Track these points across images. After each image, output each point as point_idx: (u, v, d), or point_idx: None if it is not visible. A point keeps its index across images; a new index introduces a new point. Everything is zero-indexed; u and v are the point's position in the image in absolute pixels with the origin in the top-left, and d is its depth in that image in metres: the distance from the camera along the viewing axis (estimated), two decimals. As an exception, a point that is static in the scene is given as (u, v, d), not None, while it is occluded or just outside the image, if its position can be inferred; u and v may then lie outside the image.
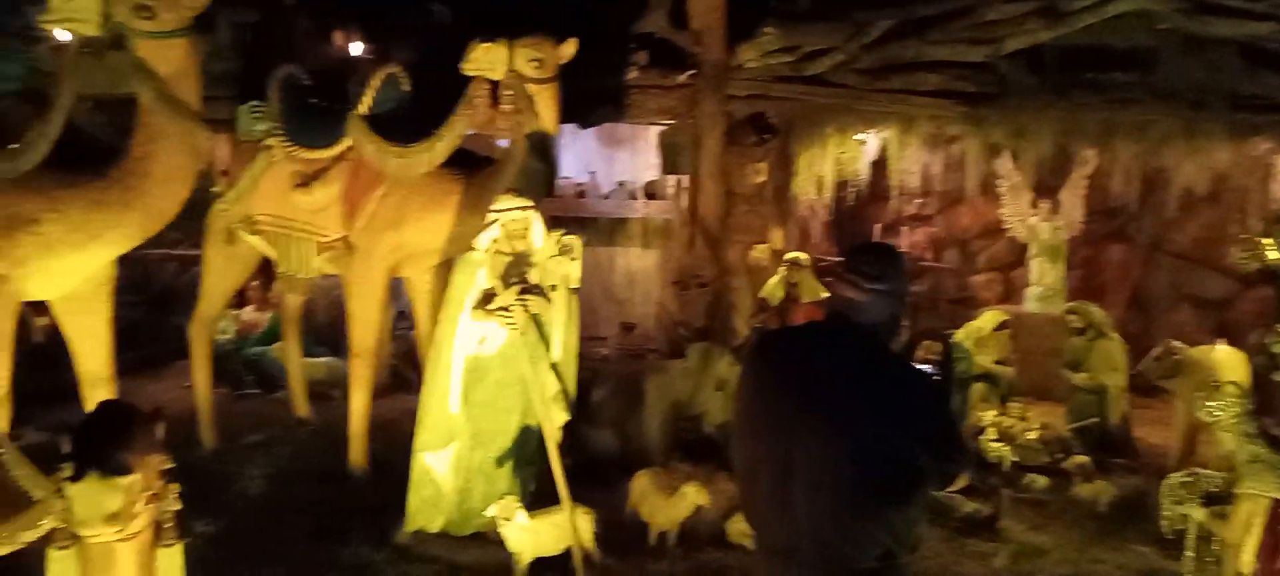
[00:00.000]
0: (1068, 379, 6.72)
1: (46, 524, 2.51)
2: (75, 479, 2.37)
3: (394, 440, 6.14)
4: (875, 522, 2.29)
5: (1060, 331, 7.13)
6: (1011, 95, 7.22)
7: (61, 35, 5.54)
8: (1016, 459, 6.07)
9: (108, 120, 5.79)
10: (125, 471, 2.37)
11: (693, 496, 4.75)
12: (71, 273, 4.47)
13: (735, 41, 7.08)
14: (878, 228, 11.20)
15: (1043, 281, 8.87)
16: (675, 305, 7.47)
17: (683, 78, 7.15)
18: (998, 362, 6.73)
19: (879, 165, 8.82)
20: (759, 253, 8.19)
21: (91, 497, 2.35)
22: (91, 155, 4.30)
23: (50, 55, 4.88)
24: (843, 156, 8.55)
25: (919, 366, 5.41)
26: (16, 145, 3.98)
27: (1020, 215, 8.95)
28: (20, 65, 4.39)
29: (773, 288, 7.67)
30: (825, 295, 7.46)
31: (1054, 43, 7.04)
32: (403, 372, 8.00)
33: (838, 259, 9.95)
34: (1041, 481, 5.90)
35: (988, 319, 6.90)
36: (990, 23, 6.91)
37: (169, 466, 2.61)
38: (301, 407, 6.86)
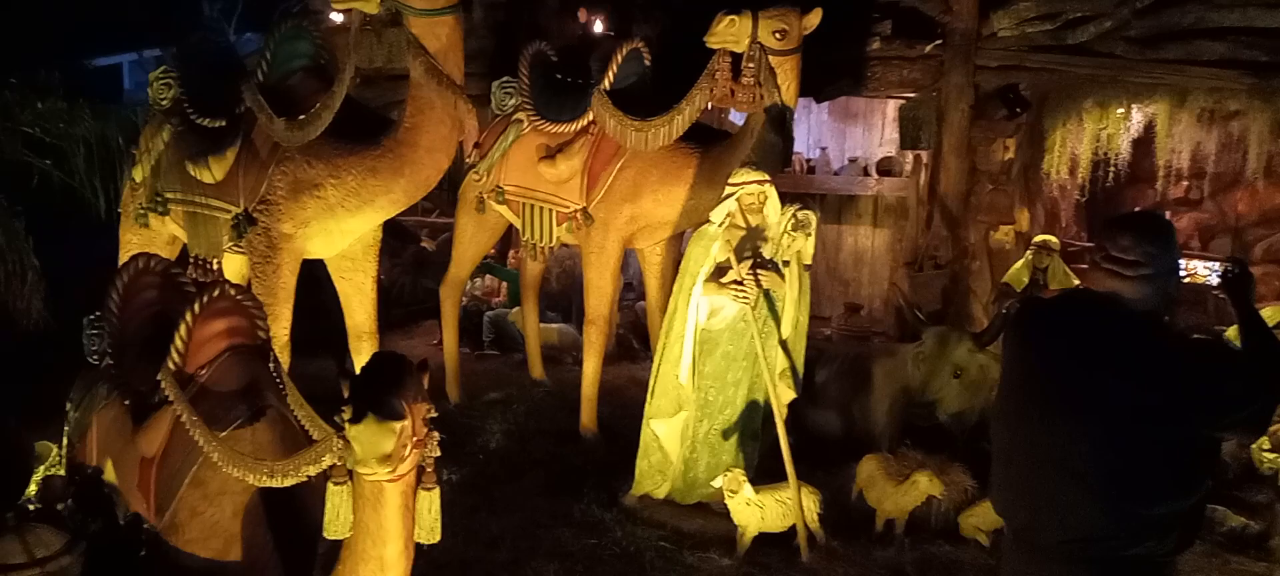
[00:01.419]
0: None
1: (327, 460, 2.76)
2: (355, 421, 2.57)
3: (621, 406, 6.36)
4: (1144, 513, 2.09)
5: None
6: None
7: (336, 16, 6.11)
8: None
9: (373, 94, 6.31)
10: (399, 416, 2.54)
11: (925, 485, 4.58)
12: (346, 234, 4.92)
13: (987, 9, 6.67)
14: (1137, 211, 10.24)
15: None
16: (908, 287, 7.17)
17: (928, 48, 6.82)
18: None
19: (1141, 143, 8.05)
20: (1002, 234, 7.71)
21: (369, 438, 2.55)
22: (365, 125, 4.69)
23: (332, 33, 5.36)
24: (1102, 132, 7.86)
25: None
26: (304, 116, 4.41)
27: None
28: (308, 43, 4.83)
29: (1017, 272, 7.22)
30: (1076, 283, 6.96)
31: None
32: (629, 342, 8.23)
33: (1091, 244, 9.21)
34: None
35: (1266, 314, 6.13)
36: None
37: (433, 415, 2.80)
38: (537, 370, 7.21)
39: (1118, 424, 2.11)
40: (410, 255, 9.27)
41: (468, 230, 6.45)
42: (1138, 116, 7.74)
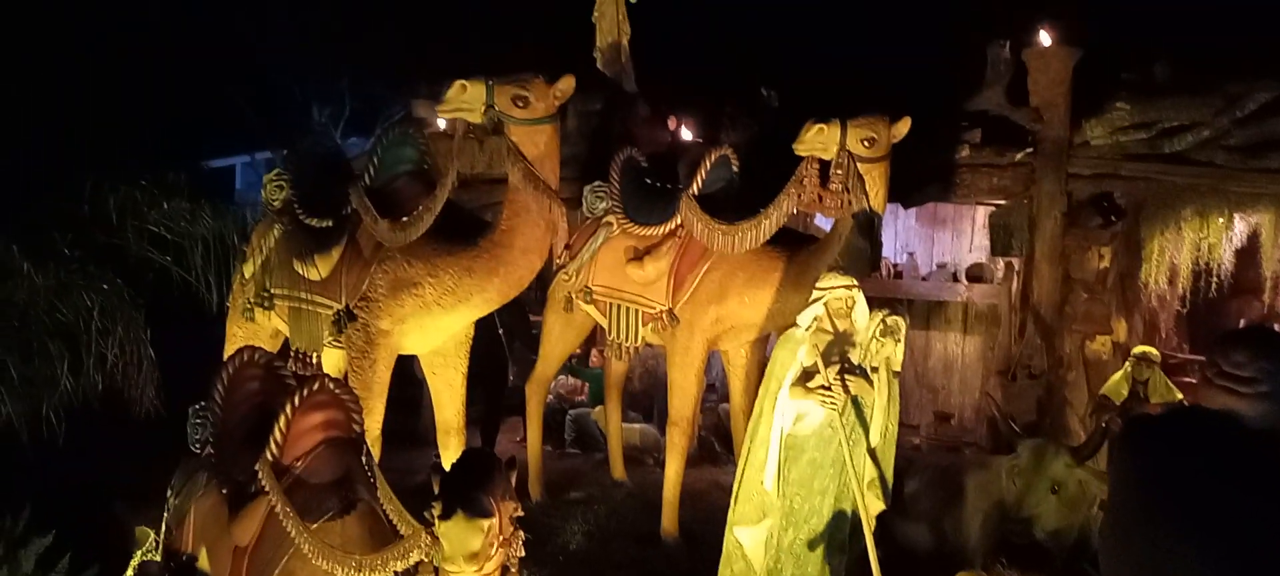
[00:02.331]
0: None
1: (414, 556, 2.80)
2: (444, 517, 2.61)
3: (703, 510, 6.27)
4: None
5: None
6: None
7: (441, 123, 6.40)
8: None
9: (469, 195, 6.55)
10: (487, 514, 2.58)
11: (1022, 607, 4.37)
12: (440, 331, 5.06)
13: (1079, 117, 6.61)
14: (1241, 324, 9.79)
15: None
16: (1001, 397, 6.97)
17: (1019, 156, 6.76)
18: None
19: (1245, 253, 7.76)
20: (1099, 345, 7.45)
21: (457, 536, 2.58)
22: (461, 226, 4.86)
23: (435, 139, 5.62)
24: (1202, 242, 7.61)
25: None
26: (407, 218, 4.60)
27: None
28: (414, 149, 5.07)
29: (1116, 384, 6.95)
30: (1178, 397, 6.67)
31: None
32: (711, 444, 8.15)
33: (1192, 356, 8.84)
34: None
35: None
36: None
37: (520, 514, 2.81)
38: (618, 470, 7.19)
39: (1242, 547, 2.00)
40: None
41: (555, 329, 6.56)
42: (1240, 226, 7.48)
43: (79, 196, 5.17)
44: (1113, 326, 7.55)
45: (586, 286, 6.03)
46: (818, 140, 4.87)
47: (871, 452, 4.63)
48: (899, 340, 4.54)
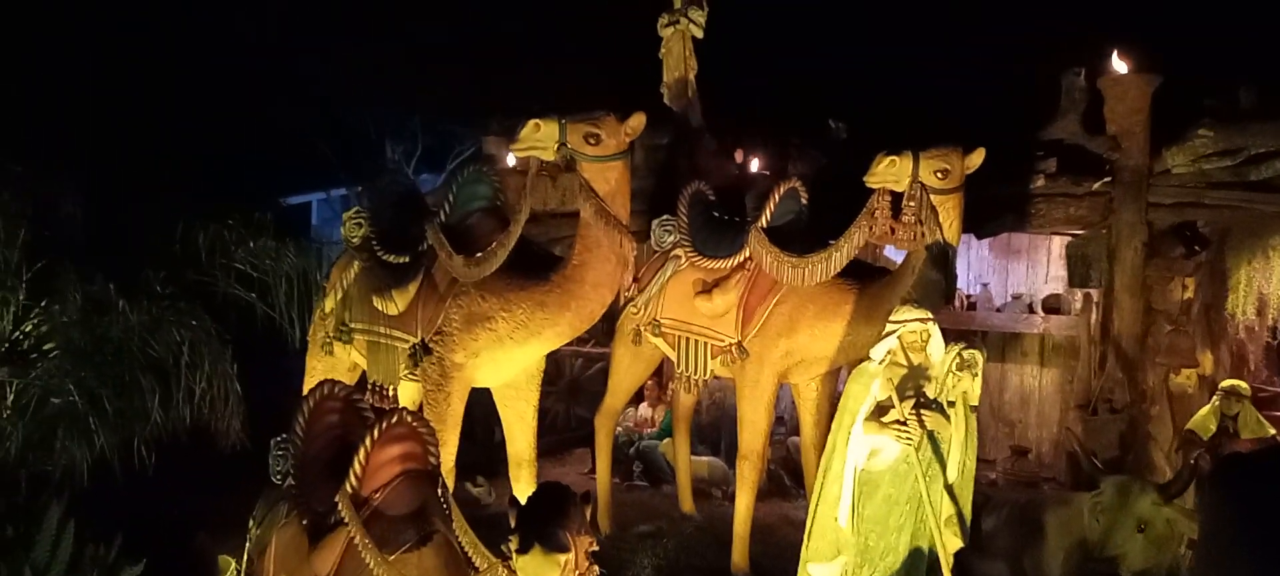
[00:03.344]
0: None
1: (491, 588, 2.83)
2: (522, 551, 2.63)
3: (773, 545, 6.20)
4: None
5: None
6: None
7: (510, 161, 6.52)
8: None
9: (539, 230, 6.64)
10: (565, 549, 2.60)
11: (1110, 650, 4.22)
12: (513, 364, 5.14)
13: (1159, 145, 6.44)
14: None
15: None
16: (1081, 431, 6.77)
17: (1096, 185, 6.61)
18: None
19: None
20: (1184, 378, 7.21)
21: (535, 569, 2.61)
22: (533, 261, 4.94)
23: (507, 176, 5.72)
24: (1293, 272, 7.32)
25: None
26: (481, 254, 4.70)
27: None
28: (488, 186, 5.18)
29: (1204, 419, 6.70)
30: (1271, 432, 6.40)
31: None
32: (781, 478, 8.06)
33: (1286, 391, 8.48)
34: None
35: None
36: None
37: (595, 548, 2.83)
38: (687, 503, 7.15)
39: None
40: (564, 384, 9.49)
41: (624, 361, 6.58)
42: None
43: (171, 235, 5.40)
44: (1198, 359, 7.30)
45: (655, 319, 6.05)
46: (890, 172, 4.83)
47: (949, 488, 4.54)
48: (976, 374, 4.46)
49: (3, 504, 4.28)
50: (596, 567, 2.85)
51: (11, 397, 4.92)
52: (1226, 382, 6.80)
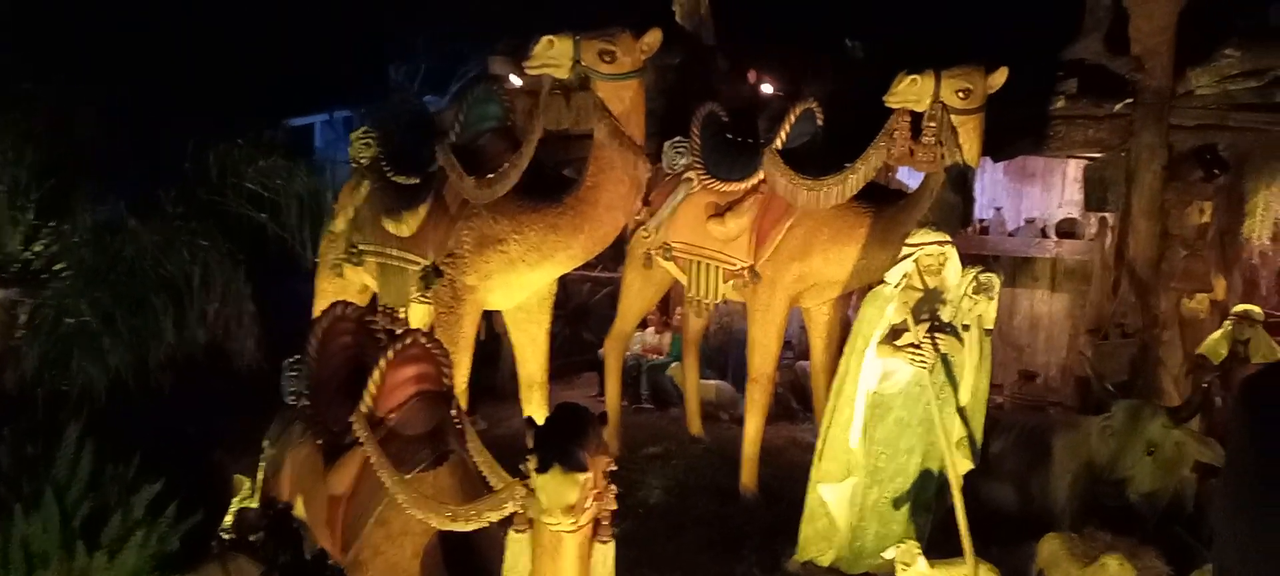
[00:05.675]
0: None
1: (509, 508, 2.84)
2: (541, 470, 2.63)
3: (780, 466, 6.26)
4: None
5: None
6: None
7: (515, 81, 6.41)
8: None
9: (547, 152, 6.56)
10: (583, 468, 2.60)
11: (1115, 569, 4.25)
12: (525, 287, 5.12)
13: (1183, 66, 6.29)
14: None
15: None
16: (1093, 356, 6.76)
17: (1118, 106, 6.48)
18: None
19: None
20: (1197, 303, 7.17)
21: (554, 489, 2.60)
22: (545, 183, 4.88)
23: (517, 96, 5.62)
24: (1311, 196, 7.24)
25: None
26: (493, 175, 4.64)
27: None
28: (498, 105, 5.10)
29: (1215, 344, 6.69)
30: (1281, 358, 6.40)
31: None
32: (788, 401, 8.10)
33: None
34: None
35: None
36: None
37: (612, 468, 2.83)
38: (696, 426, 7.21)
39: None
40: (571, 307, 9.49)
41: (634, 285, 6.56)
42: (1352, 179, 7.09)
43: (181, 155, 5.34)
44: (1212, 284, 7.25)
45: (666, 243, 6.01)
46: (911, 92, 4.73)
47: (960, 411, 4.56)
48: (993, 298, 4.45)
49: (22, 422, 4.32)
50: (614, 487, 2.85)
51: (25, 316, 4.93)
52: (1239, 307, 6.77)
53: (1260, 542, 2.07)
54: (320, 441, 3.66)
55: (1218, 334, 6.82)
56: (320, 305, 5.69)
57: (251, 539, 3.82)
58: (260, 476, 4.10)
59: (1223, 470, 2.32)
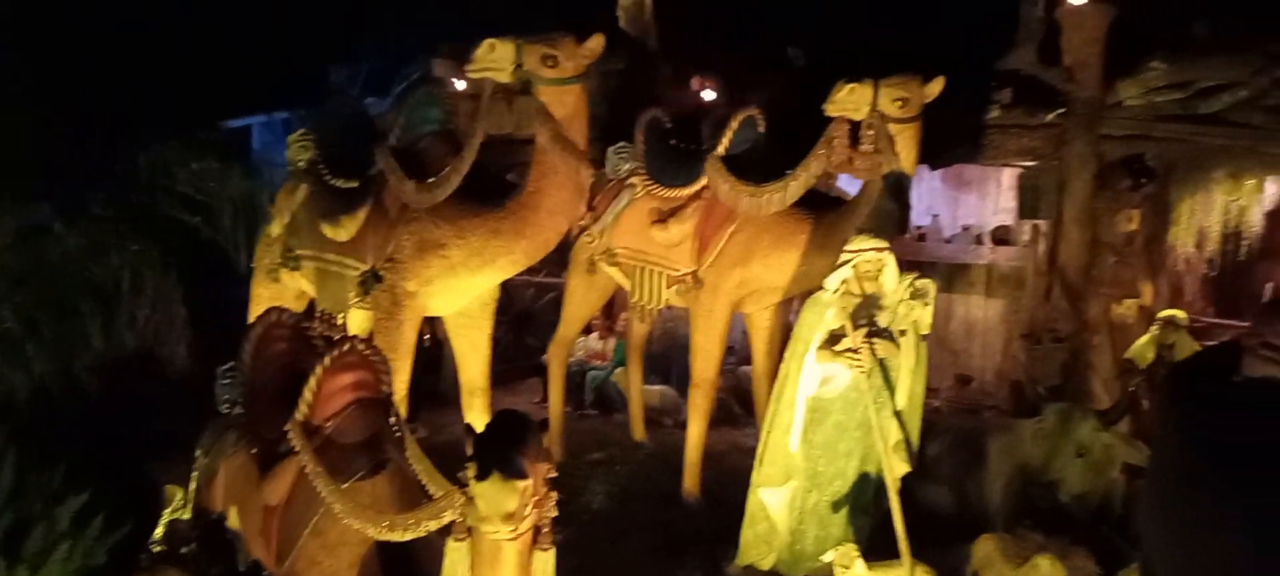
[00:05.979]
0: None
1: (448, 516, 2.80)
2: (480, 478, 2.60)
3: (723, 471, 6.29)
4: None
5: None
6: None
7: (458, 84, 6.36)
8: None
9: (491, 156, 6.52)
10: (522, 475, 2.57)
11: (1047, 569, 4.35)
12: (466, 292, 5.07)
13: (1113, 77, 6.50)
14: (1270, 288, 9.67)
15: None
16: (1025, 360, 6.93)
17: (1050, 116, 6.67)
18: None
19: (1277, 215, 7.65)
20: (1125, 308, 7.39)
21: (493, 496, 2.57)
22: (487, 188, 4.84)
23: (459, 99, 5.58)
24: (1233, 204, 7.50)
25: None
26: (433, 179, 4.59)
27: None
28: (439, 109, 5.05)
29: (1142, 348, 6.88)
30: (1207, 362, 6.61)
31: None
32: (731, 406, 8.14)
33: (1219, 320, 8.75)
34: None
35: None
36: None
37: (552, 475, 2.82)
38: (639, 431, 7.21)
39: None
40: (514, 313, 9.43)
41: (578, 291, 6.54)
42: (1272, 188, 7.38)
43: (111, 157, 5.19)
44: (1140, 289, 7.48)
45: (609, 248, 6.01)
46: (850, 100, 4.80)
47: (897, 415, 4.63)
48: (929, 304, 4.53)
49: (-62, 431, 4.15)
50: (554, 494, 2.83)
51: (-59, 322, 4.75)
52: (1165, 312, 6.97)
53: (1182, 534, 2.15)
54: (255, 450, 3.58)
55: (1145, 338, 7.01)
56: (256, 311, 5.56)
57: (183, 551, 3.71)
58: (193, 487, 3.99)
59: (1147, 469, 2.39)
